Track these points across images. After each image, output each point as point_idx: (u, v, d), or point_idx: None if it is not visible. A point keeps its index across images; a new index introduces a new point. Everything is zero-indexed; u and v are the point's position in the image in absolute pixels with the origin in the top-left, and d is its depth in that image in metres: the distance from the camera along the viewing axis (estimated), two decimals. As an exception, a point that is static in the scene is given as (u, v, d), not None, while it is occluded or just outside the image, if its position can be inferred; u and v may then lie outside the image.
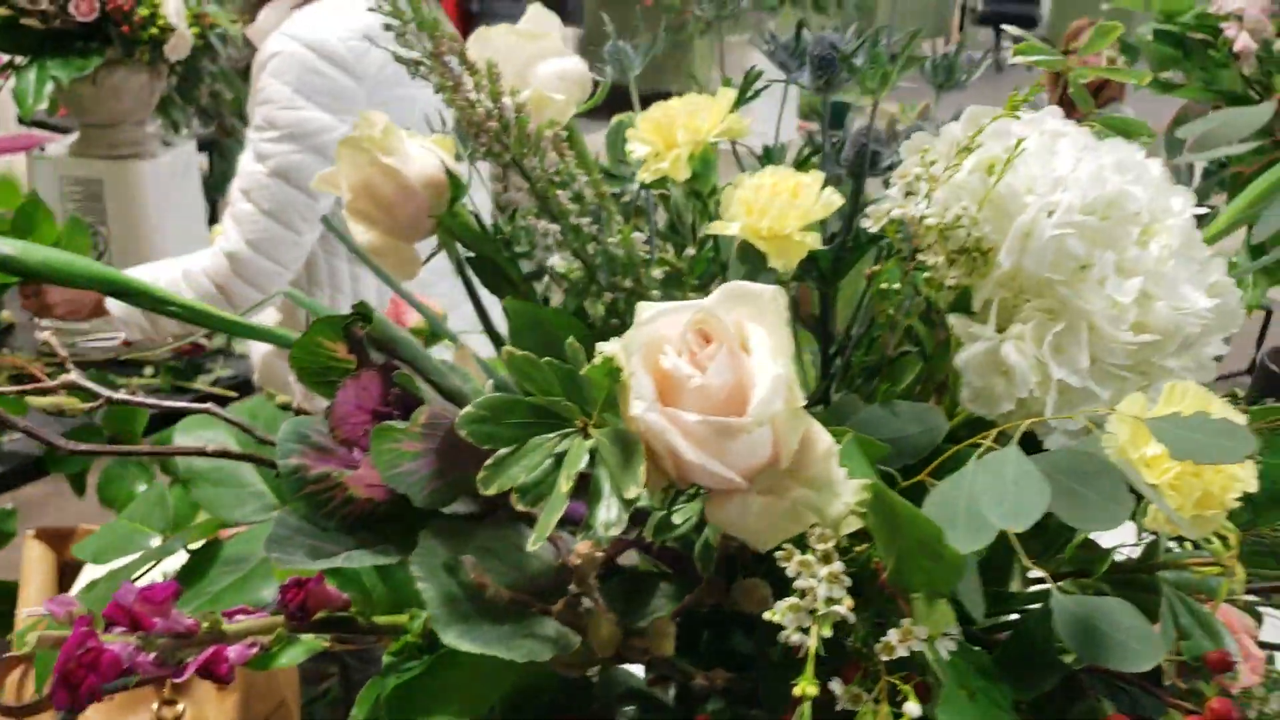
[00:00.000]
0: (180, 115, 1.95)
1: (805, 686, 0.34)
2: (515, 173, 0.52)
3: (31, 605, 1.38)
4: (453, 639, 0.41)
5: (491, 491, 0.41)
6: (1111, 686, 0.42)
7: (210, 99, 1.88)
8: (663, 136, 0.51)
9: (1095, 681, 0.42)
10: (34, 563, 1.42)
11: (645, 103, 0.58)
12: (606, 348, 0.39)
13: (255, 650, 0.49)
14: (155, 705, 1.45)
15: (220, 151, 2.08)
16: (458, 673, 0.51)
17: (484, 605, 0.43)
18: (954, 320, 0.47)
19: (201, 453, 0.53)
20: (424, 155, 0.54)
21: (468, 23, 7.58)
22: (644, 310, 0.39)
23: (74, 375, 0.58)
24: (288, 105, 1.28)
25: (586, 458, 0.40)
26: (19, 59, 1.59)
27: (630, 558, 0.52)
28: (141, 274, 1.57)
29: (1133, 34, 1.20)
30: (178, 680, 1.05)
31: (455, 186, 0.55)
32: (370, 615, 0.51)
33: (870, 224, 0.47)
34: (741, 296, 0.39)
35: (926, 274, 0.48)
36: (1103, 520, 0.39)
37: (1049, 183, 0.46)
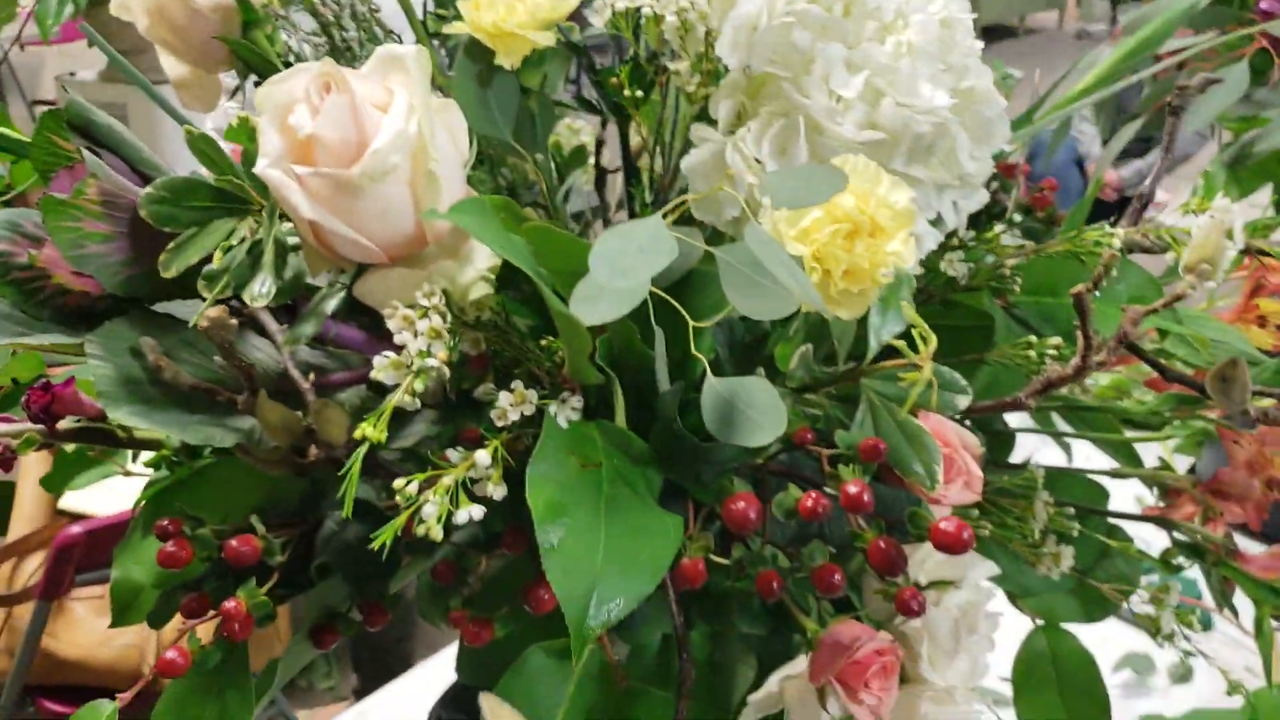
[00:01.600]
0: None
1: (366, 429, 0.32)
2: (283, -12, 0.52)
3: (26, 507, 1.44)
4: (122, 416, 0.41)
5: (171, 274, 0.41)
6: (800, 481, 0.40)
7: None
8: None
9: (778, 482, 0.40)
10: (32, 461, 1.47)
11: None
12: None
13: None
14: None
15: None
16: (209, 483, 0.51)
17: (174, 393, 0.42)
18: (693, 129, 0.45)
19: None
20: (210, -24, 0.54)
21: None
22: (290, 70, 0.38)
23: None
24: None
25: (251, 237, 0.40)
26: (42, -18, 1.63)
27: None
28: None
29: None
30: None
31: (245, 10, 0.54)
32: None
33: (597, 19, 0.45)
34: (390, 60, 0.38)
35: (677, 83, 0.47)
36: (769, 305, 0.37)
37: (781, -26, 0.43)
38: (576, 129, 0.61)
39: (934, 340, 0.39)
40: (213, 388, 0.43)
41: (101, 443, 0.51)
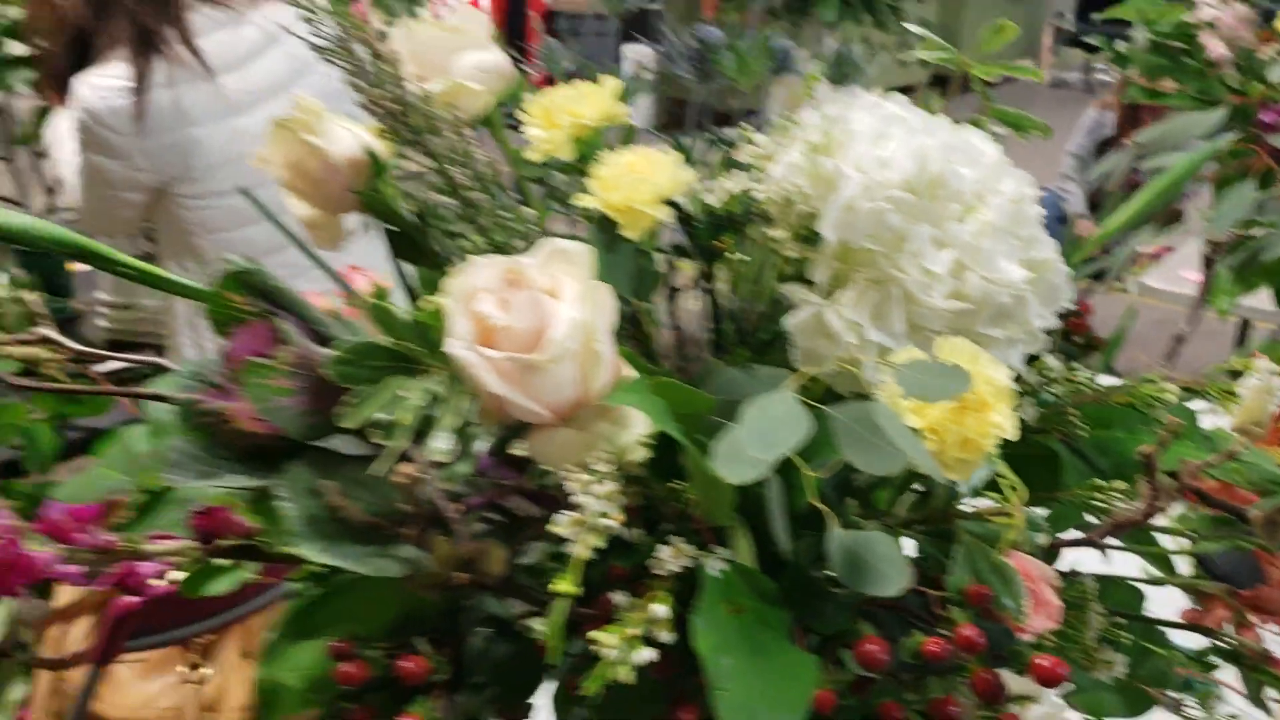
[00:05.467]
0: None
1: (563, 584, 0.38)
2: (419, 152, 0.58)
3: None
4: (309, 552, 0.46)
5: (350, 424, 0.47)
6: (903, 622, 0.46)
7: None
8: (549, 120, 0.56)
9: (888, 618, 0.46)
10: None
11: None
12: (438, 297, 0.44)
13: (167, 569, 0.56)
14: (182, 668, 1.54)
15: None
16: (349, 598, 0.57)
17: (348, 528, 0.48)
18: (788, 288, 0.52)
19: (144, 396, 0.59)
20: (347, 136, 0.60)
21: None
22: (470, 262, 0.44)
23: (46, 330, 0.65)
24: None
25: (426, 397, 0.46)
26: None
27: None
28: None
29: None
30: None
31: (376, 165, 0.61)
32: (277, 545, 0.57)
33: (712, 199, 0.52)
34: (558, 253, 0.44)
35: (773, 247, 0.53)
36: (883, 463, 0.43)
37: (874, 162, 0.50)
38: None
39: (1025, 492, 0.45)
40: (381, 522, 0.48)
41: (253, 558, 0.57)
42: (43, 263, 1.81)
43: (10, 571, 0.51)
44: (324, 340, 0.52)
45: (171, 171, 1.52)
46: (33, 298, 0.69)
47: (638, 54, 6.90)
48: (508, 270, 0.43)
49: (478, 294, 0.43)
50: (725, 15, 3.08)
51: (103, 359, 0.66)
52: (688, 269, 0.69)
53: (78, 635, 1.44)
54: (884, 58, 3.47)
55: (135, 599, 1.27)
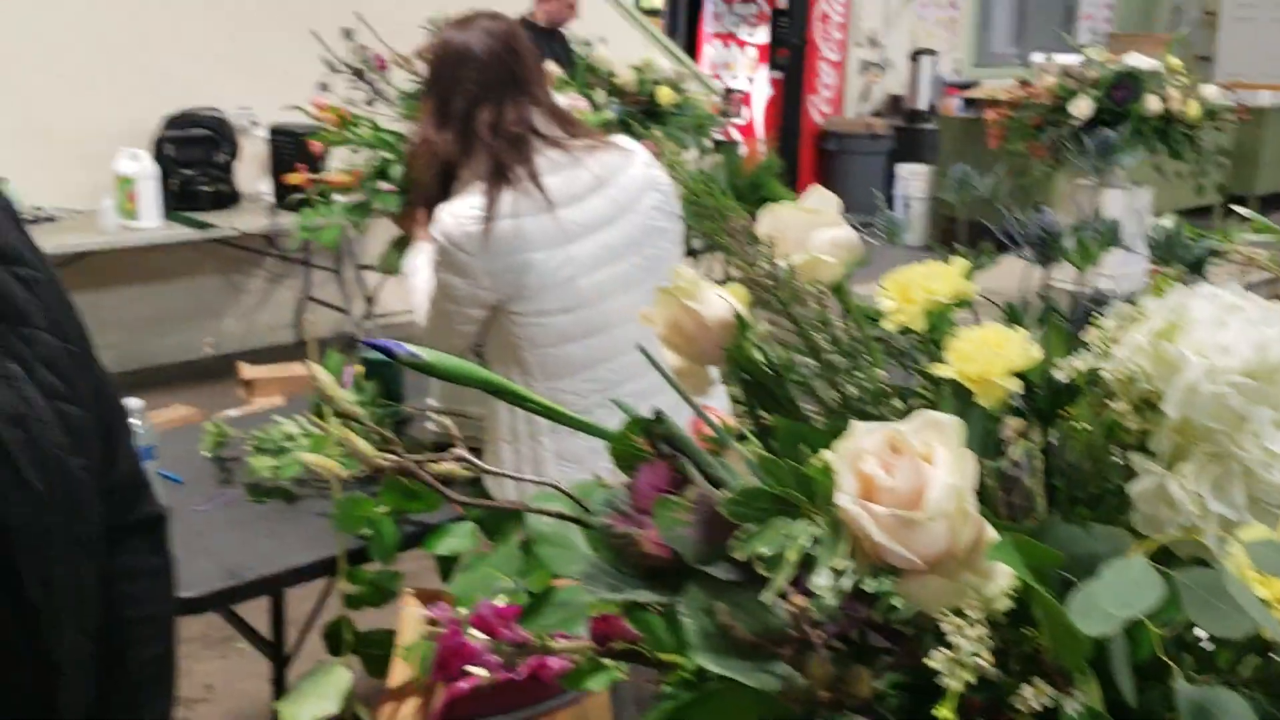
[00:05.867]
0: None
1: (943, 711, 0.45)
2: (786, 318, 0.68)
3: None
4: (705, 662, 0.56)
5: (740, 556, 0.56)
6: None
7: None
8: (904, 295, 0.65)
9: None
10: (410, 618, 1.68)
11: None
12: (827, 455, 0.53)
13: (570, 665, 0.66)
14: (485, 751, 1.68)
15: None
16: (717, 703, 0.65)
17: (732, 643, 0.57)
18: (1133, 457, 0.57)
19: (543, 512, 0.71)
20: (719, 301, 0.71)
21: (824, 160, 7.94)
22: (856, 428, 0.53)
23: (460, 450, 0.79)
24: None
25: (809, 538, 0.54)
26: None
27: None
28: None
29: None
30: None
31: (742, 326, 0.71)
32: (655, 651, 0.67)
33: (1061, 374, 0.58)
34: (931, 424, 0.52)
35: (1114, 418, 0.59)
36: (1229, 627, 0.48)
37: (1215, 348, 0.55)
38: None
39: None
40: (761, 642, 0.57)
41: (637, 661, 0.67)
42: (383, 371, 2.05)
43: (455, 656, 0.63)
44: (708, 477, 0.62)
45: (508, 290, 1.71)
46: (447, 422, 0.84)
47: (912, 172, 6.98)
48: (890, 437, 0.51)
49: (864, 455, 0.51)
50: (1010, 145, 3.12)
51: (500, 474, 0.79)
52: (1015, 424, 0.75)
53: (407, 714, 1.60)
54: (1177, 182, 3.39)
55: (466, 687, 1.42)
